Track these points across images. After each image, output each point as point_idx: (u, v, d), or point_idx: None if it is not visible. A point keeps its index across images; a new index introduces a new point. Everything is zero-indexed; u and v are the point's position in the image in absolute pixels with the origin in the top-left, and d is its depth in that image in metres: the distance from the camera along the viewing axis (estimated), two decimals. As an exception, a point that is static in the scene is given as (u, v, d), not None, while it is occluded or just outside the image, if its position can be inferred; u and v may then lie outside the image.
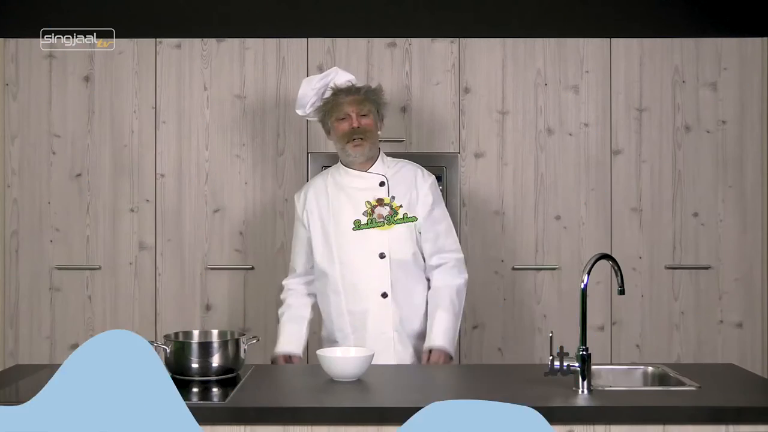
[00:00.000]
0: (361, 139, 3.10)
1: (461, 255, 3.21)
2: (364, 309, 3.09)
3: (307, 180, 4.16)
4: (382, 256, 3.09)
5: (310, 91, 3.21)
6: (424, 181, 3.19)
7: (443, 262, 3.16)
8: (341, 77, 3.21)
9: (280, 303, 3.31)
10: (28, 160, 4.20)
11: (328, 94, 3.19)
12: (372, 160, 3.17)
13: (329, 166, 3.48)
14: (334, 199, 3.17)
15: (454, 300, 3.12)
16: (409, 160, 3.30)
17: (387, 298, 3.08)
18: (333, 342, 3.17)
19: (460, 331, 4.16)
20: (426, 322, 3.13)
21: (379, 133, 3.21)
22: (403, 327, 3.10)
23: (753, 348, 4.19)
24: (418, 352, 3.12)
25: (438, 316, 3.09)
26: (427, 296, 3.16)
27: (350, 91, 3.15)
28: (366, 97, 3.15)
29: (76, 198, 4.20)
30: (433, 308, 3.12)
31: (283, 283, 3.34)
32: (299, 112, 3.27)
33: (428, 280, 3.18)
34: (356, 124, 3.10)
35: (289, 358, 3.16)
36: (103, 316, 4.19)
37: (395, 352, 3.08)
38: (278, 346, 3.18)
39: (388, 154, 3.28)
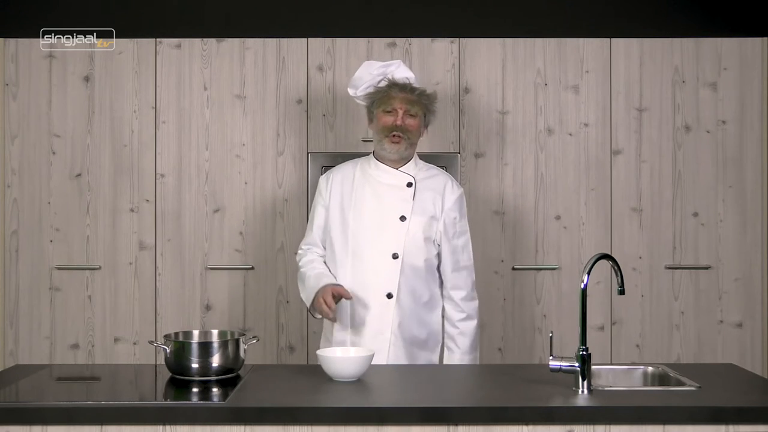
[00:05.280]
0: (400, 136, 3.10)
1: (473, 277, 3.24)
2: (367, 305, 3.08)
3: (307, 180, 4.16)
4: (395, 256, 3.08)
5: (366, 75, 3.22)
6: (452, 192, 3.18)
7: (460, 297, 3.18)
8: (401, 72, 3.21)
9: (296, 264, 3.27)
10: (28, 160, 4.20)
11: (383, 84, 3.19)
12: (405, 160, 3.17)
13: (330, 167, 3.47)
14: (359, 190, 3.16)
15: (475, 343, 3.22)
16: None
17: (391, 299, 3.07)
18: (328, 333, 3.17)
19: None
20: (426, 332, 3.14)
21: (420, 138, 3.20)
22: (402, 331, 3.08)
23: (753, 348, 4.19)
24: (412, 357, 3.10)
25: (458, 358, 3.17)
26: (438, 311, 3.18)
27: (404, 88, 3.14)
28: (418, 98, 3.15)
29: (76, 198, 4.20)
30: (453, 346, 3.17)
31: (301, 245, 3.26)
32: (350, 91, 3.27)
33: (441, 292, 3.19)
34: (400, 122, 3.10)
35: (334, 298, 3.00)
36: (103, 316, 4.19)
37: (390, 355, 3.06)
38: (317, 283, 3.06)
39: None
